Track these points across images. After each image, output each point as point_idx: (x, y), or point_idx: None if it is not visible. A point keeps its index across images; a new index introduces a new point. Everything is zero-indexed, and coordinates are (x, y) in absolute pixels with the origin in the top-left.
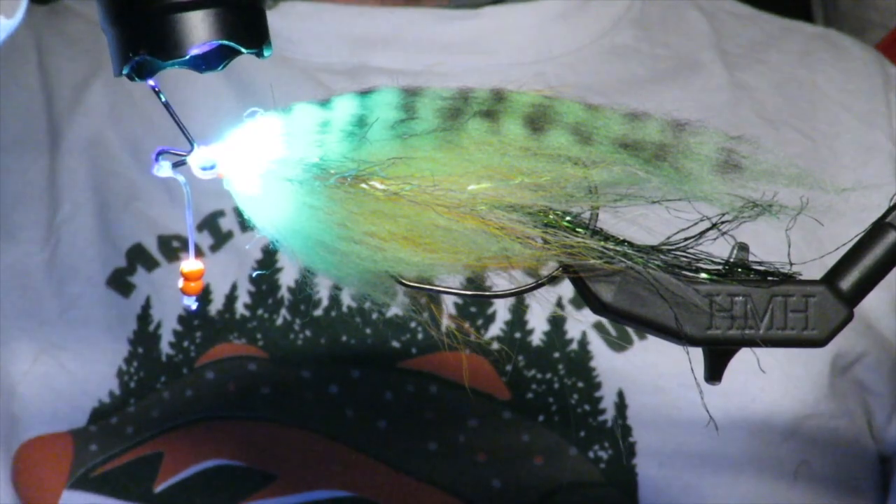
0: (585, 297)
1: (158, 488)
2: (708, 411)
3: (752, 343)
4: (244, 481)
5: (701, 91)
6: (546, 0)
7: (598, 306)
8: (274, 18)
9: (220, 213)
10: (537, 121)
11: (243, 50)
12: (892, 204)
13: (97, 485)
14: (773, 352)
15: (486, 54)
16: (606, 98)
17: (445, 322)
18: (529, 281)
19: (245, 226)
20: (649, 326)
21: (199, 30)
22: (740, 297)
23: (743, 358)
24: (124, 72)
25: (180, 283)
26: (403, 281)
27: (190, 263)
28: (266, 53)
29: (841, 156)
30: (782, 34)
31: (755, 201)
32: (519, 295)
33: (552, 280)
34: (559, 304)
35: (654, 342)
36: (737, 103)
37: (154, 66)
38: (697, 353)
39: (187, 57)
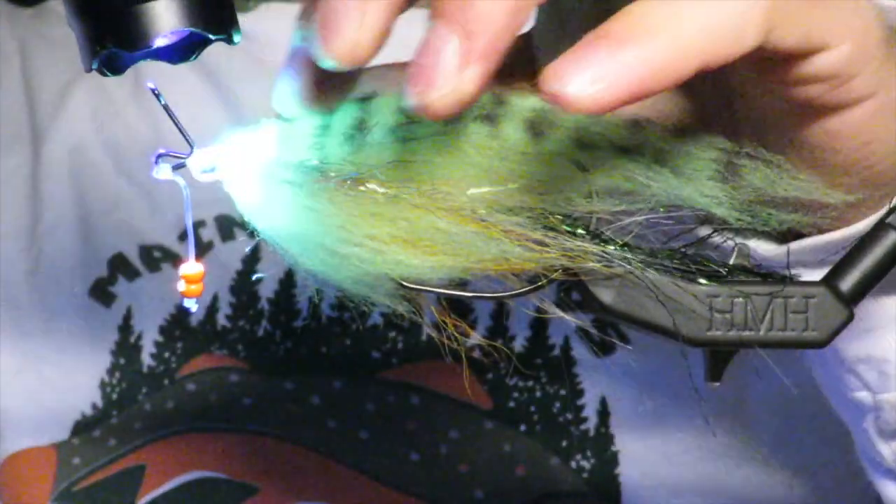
0: (585, 299)
1: (141, 501)
2: (707, 417)
3: (751, 345)
4: (226, 493)
5: None
6: None
7: (598, 308)
8: (254, 21)
9: (201, 224)
10: (538, 125)
11: (211, 37)
12: (892, 205)
13: (80, 499)
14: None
15: None
16: None
17: (427, 330)
18: (528, 284)
19: (226, 236)
20: (649, 328)
21: (163, 19)
22: (740, 300)
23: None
24: (94, 66)
25: (181, 285)
26: (403, 283)
27: (190, 266)
28: (235, 40)
29: None
30: None
31: (755, 206)
32: (518, 297)
33: (552, 282)
34: (541, 310)
35: (637, 348)
36: None
37: (123, 59)
38: (695, 357)
39: (154, 47)
